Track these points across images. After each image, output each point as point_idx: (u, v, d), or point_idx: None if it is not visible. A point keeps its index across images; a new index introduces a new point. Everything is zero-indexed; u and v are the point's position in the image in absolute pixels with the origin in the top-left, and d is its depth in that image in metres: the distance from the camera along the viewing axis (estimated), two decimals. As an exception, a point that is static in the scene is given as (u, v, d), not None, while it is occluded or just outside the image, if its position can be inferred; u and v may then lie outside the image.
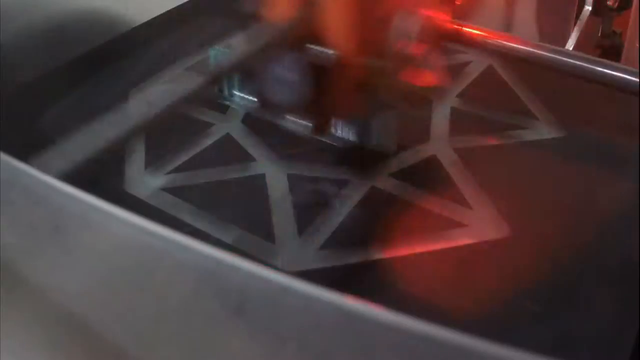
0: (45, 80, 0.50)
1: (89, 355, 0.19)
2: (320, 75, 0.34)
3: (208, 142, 0.45)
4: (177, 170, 0.42)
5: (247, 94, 0.35)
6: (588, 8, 0.73)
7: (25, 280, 0.21)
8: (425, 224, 0.38)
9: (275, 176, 0.42)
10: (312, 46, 0.35)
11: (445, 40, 0.42)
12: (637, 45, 0.71)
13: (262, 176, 0.42)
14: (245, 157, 0.43)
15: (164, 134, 0.45)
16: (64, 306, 0.20)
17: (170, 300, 0.20)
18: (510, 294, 0.35)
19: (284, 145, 0.44)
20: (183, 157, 0.43)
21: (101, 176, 0.39)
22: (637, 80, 0.39)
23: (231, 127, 0.46)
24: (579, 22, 0.74)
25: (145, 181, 0.41)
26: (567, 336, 0.33)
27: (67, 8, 0.54)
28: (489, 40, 0.42)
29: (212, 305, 0.19)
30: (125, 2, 0.57)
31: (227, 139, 0.45)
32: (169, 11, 0.59)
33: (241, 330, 0.19)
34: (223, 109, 0.47)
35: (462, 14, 0.79)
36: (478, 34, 0.42)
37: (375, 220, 0.39)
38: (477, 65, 0.52)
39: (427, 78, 0.38)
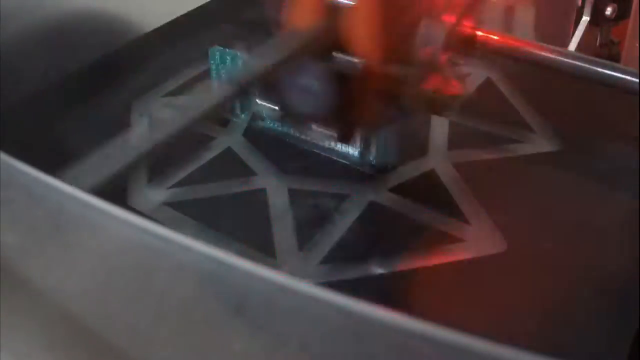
0: (47, 92, 0.50)
1: (89, 355, 0.19)
2: (345, 84, 0.34)
3: (209, 156, 0.45)
4: (179, 184, 0.43)
5: (267, 102, 0.35)
6: (586, 18, 0.73)
7: (25, 280, 0.20)
8: (423, 239, 0.39)
9: (276, 190, 0.42)
10: (337, 54, 0.35)
11: (471, 48, 0.42)
12: (637, 45, 0.71)
13: (263, 191, 0.42)
14: (246, 171, 0.44)
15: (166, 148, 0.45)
16: (64, 306, 0.20)
17: (170, 300, 0.20)
18: (508, 309, 0.35)
19: (284, 159, 0.44)
20: (185, 171, 0.44)
21: (104, 190, 0.40)
22: (637, 80, 0.40)
23: (232, 140, 0.46)
24: (577, 32, 0.74)
25: (148, 195, 0.42)
26: (564, 352, 0.33)
27: (68, 9, 0.54)
28: (511, 47, 0.42)
29: (212, 306, 0.19)
30: (128, 4, 0.57)
31: (228, 152, 0.45)
32: (176, 18, 0.59)
33: (241, 330, 0.19)
34: (224, 122, 0.48)
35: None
36: (502, 41, 0.42)
37: (375, 236, 0.40)
38: (475, 77, 0.53)
39: (452, 86, 0.38)
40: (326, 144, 0.45)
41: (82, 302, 0.20)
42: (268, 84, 0.34)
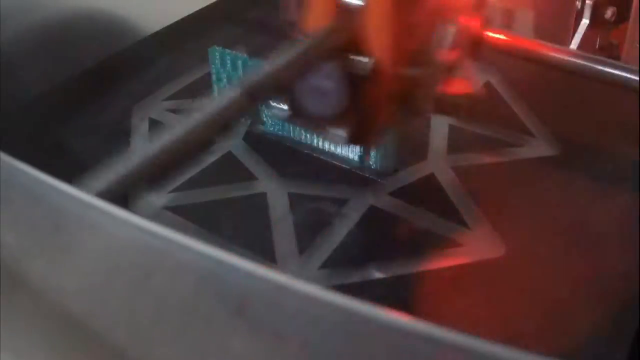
0: (48, 95, 0.50)
1: (88, 355, 0.19)
2: (357, 85, 0.34)
3: (209, 160, 0.45)
4: (180, 188, 0.43)
5: (278, 103, 0.35)
6: (586, 21, 0.73)
7: (25, 280, 0.20)
8: (423, 243, 0.39)
9: (276, 195, 0.42)
10: (349, 55, 0.34)
11: (482, 49, 0.42)
12: (637, 45, 0.71)
13: (264, 195, 0.42)
14: (246, 176, 0.44)
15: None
16: (64, 306, 0.20)
17: (170, 300, 0.20)
18: (507, 314, 0.35)
19: (284, 163, 0.45)
20: (185, 176, 0.44)
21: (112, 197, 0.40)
22: (637, 78, 0.40)
23: (232, 144, 0.46)
24: (576, 34, 0.74)
25: (149, 200, 0.42)
26: (564, 353, 0.33)
27: (68, 10, 0.54)
28: (521, 47, 0.42)
29: (212, 306, 0.19)
30: (130, 4, 0.57)
31: (229, 156, 0.46)
32: (178, 20, 0.59)
33: (241, 330, 0.18)
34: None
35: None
36: (509, 40, 0.42)
37: (374, 240, 0.40)
38: (474, 81, 0.53)
39: (463, 87, 0.38)
40: (326, 148, 0.45)
41: (82, 302, 0.20)
42: (279, 84, 0.33)
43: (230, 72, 0.47)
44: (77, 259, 0.21)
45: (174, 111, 0.50)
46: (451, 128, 0.48)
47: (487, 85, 0.53)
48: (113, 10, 0.56)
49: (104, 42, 0.55)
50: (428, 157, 0.45)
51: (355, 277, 0.37)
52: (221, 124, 0.30)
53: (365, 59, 0.34)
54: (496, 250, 0.38)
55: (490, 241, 0.39)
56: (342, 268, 0.37)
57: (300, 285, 0.19)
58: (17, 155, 0.24)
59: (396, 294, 0.36)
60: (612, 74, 0.45)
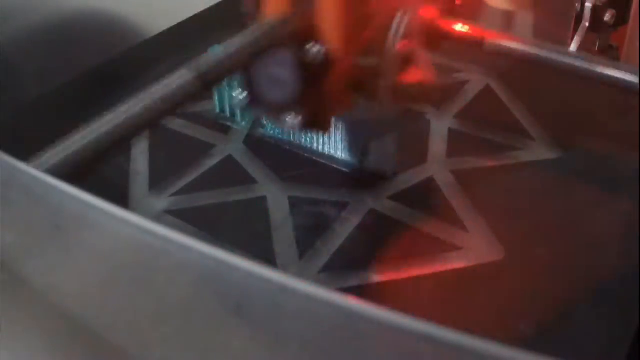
0: (48, 98, 0.50)
1: (89, 355, 0.19)
2: (311, 73, 0.35)
3: (210, 163, 0.46)
4: (180, 192, 0.43)
5: (236, 91, 0.36)
6: (585, 24, 0.73)
7: (25, 280, 0.20)
8: (422, 246, 0.39)
9: (276, 198, 0.42)
10: (302, 43, 0.35)
11: (440, 39, 0.42)
12: (637, 45, 0.71)
13: (264, 198, 0.42)
14: (246, 179, 0.44)
15: (168, 156, 0.46)
16: (64, 306, 0.20)
17: (170, 300, 0.20)
18: (505, 317, 0.35)
19: (284, 167, 0.45)
20: (186, 179, 0.44)
21: (106, 198, 0.40)
22: (637, 80, 0.40)
23: (233, 148, 0.47)
24: (576, 37, 0.74)
25: (150, 204, 0.42)
26: (564, 353, 0.33)
27: (69, 10, 0.54)
28: (487, 39, 0.42)
29: (211, 305, 0.19)
30: (129, 5, 0.57)
31: (229, 160, 0.46)
32: (181, 22, 0.59)
33: (241, 329, 0.19)
34: (224, 130, 0.48)
35: (461, 16, 0.80)
36: (474, 33, 0.43)
37: (374, 243, 0.40)
38: (474, 84, 0.53)
39: (422, 76, 0.39)
40: (326, 152, 0.45)
41: (82, 302, 0.20)
42: (231, 70, 0.35)
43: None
44: (77, 259, 0.21)
45: (175, 115, 0.50)
46: (450, 131, 0.48)
47: (487, 88, 0.53)
48: (115, 11, 0.56)
49: (106, 43, 0.55)
50: (428, 160, 0.46)
51: (355, 281, 0.37)
52: (171, 106, 0.31)
53: (317, 48, 0.35)
54: (495, 253, 0.38)
55: (489, 244, 0.39)
56: (342, 271, 0.38)
57: (300, 285, 0.19)
58: (16, 156, 0.24)
59: (396, 297, 0.37)
60: (612, 76, 0.45)
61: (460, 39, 0.42)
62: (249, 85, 0.36)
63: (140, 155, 0.46)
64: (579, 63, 0.43)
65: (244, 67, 0.35)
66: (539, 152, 0.46)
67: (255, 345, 0.18)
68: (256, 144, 0.47)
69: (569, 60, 0.47)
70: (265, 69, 0.35)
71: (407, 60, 0.38)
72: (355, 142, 0.43)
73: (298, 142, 0.46)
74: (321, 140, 0.45)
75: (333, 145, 0.44)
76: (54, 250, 0.21)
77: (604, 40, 0.77)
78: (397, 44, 0.37)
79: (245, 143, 0.47)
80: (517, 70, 0.54)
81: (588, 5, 0.76)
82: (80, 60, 0.53)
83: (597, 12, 0.73)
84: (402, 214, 0.41)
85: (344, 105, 0.38)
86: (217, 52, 0.32)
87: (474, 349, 0.17)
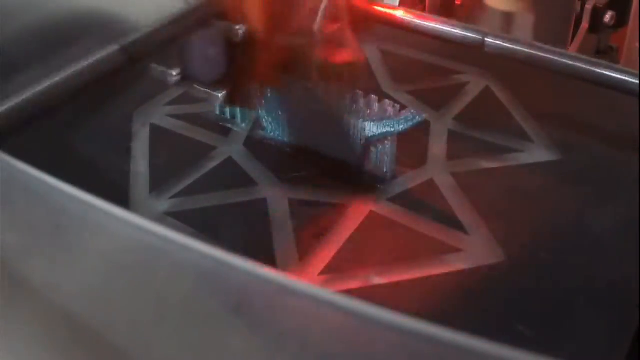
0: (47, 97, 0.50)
1: (89, 355, 0.19)
2: (234, 51, 0.36)
3: (210, 165, 0.46)
4: (181, 194, 0.43)
5: (166, 68, 0.38)
6: (585, 25, 0.74)
7: (25, 280, 0.21)
8: (422, 249, 0.39)
9: (276, 200, 0.42)
10: (225, 22, 0.37)
11: (360, 19, 0.43)
12: (637, 46, 0.72)
13: (264, 200, 0.42)
14: (246, 181, 0.44)
15: (168, 157, 0.46)
16: (64, 306, 0.20)
17: (169, 299, 0.20)
18: (504, 319, 0.35)
19: (284, 169, 0.45)
20: (186, 181, 0.44)
21: (106, 199, 0.40)
22: (637, 82, 0.40)
23: (233, 150, 0.47)
24: (576, 38, 0.74)
25: (150, 206, 0.42)
26: (564, 353, 0.33)
27: (68, 9, 0.54)
28: (406, 21, 0.44)
29: (211, 305, 0.20)
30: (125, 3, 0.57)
31: (229, 162, 0.46)
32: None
33: (240, 329, 0.19)
34: (225, 132, 0.48)
35: (462, 15, 0.80)
36: (395, 14, 0.44)
37: (374, 246, 0.40)
38: (474, 86, 0.53)
39: (343, 55, 0.39)
40: (326, 153, 0.45)
41: (82, 301, 0.20)
42: (156, 45, 0.36)
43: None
44: (77, 259, 0.22)
45: (176, 117, 0.50)
46: (450, 133, 0.48)
47: (487, 90, 0.53)
48: (113, 9, 0.56)
49: (103, 41, 0.55)
50: (427, 162, 0.46)
51: (355, 283, 0.37)
52: (95, 78, 0.32)
53: (238, 26, 0.36)
54: (495, 255, 0.38)
55: (489, 247, 0.39)
56: (342, 274, 0.38)
57: (300, 285, 0.19)
58: (16, 156, 0.24)
59: (395, 300, 0.37)
60: (612, 78, 0.45)
61: (381, 18, 0.44)
62: (181, 63, 0.38)
63: (140, 157, 0.46)
64: (578, 64, 0.43)
65: (171, 43, 0.37)
66: (538, 154, 0.47)
67: (254, 345, 0.18)
68: (256, 146, 0.47)
69: (568, 61, 0.47)
70: (190, 46, 0.37)
71: (333, 40, 0.38)
72: (355, 144, 0.44)
73: (298, 144, 0.46)
74: (321, 141, 0.45)
75: (333, 147, 0.44)
76: (54, 250, 0.21)
77: (604, 41, 0.77)
78: (318, 25, 0.38)
79: (245, 145, 0.47)
80: (516, 72, 0.54)
81: (588, 6, 0.76)
82: (74, 59, 0.53)
83: (596, 13, 0.73)
84: (402, 216, 0.41)
85: (271, 83, 0.40)
86: (144, 29, 0.35)
87: (474, 349, 0.17)
